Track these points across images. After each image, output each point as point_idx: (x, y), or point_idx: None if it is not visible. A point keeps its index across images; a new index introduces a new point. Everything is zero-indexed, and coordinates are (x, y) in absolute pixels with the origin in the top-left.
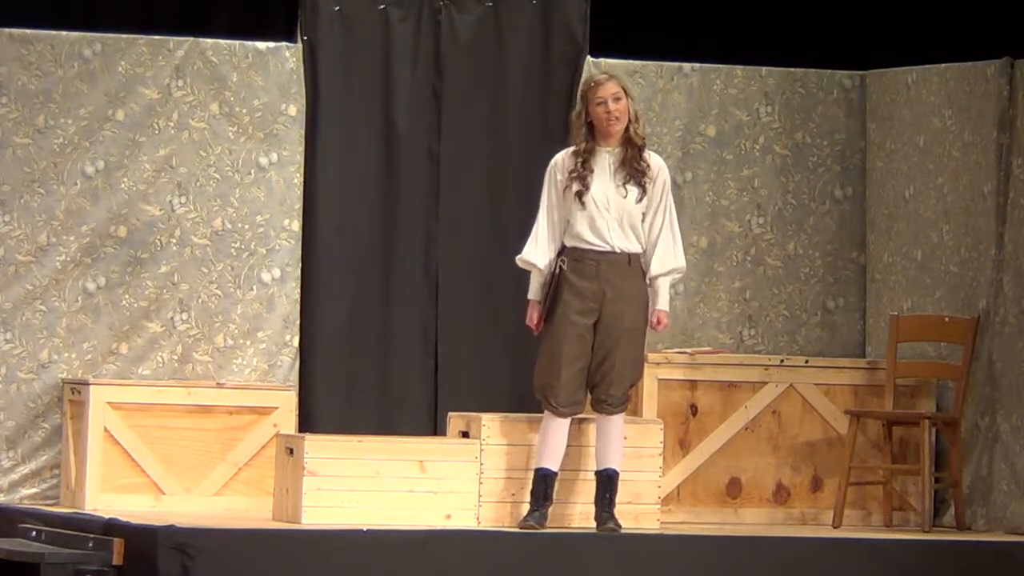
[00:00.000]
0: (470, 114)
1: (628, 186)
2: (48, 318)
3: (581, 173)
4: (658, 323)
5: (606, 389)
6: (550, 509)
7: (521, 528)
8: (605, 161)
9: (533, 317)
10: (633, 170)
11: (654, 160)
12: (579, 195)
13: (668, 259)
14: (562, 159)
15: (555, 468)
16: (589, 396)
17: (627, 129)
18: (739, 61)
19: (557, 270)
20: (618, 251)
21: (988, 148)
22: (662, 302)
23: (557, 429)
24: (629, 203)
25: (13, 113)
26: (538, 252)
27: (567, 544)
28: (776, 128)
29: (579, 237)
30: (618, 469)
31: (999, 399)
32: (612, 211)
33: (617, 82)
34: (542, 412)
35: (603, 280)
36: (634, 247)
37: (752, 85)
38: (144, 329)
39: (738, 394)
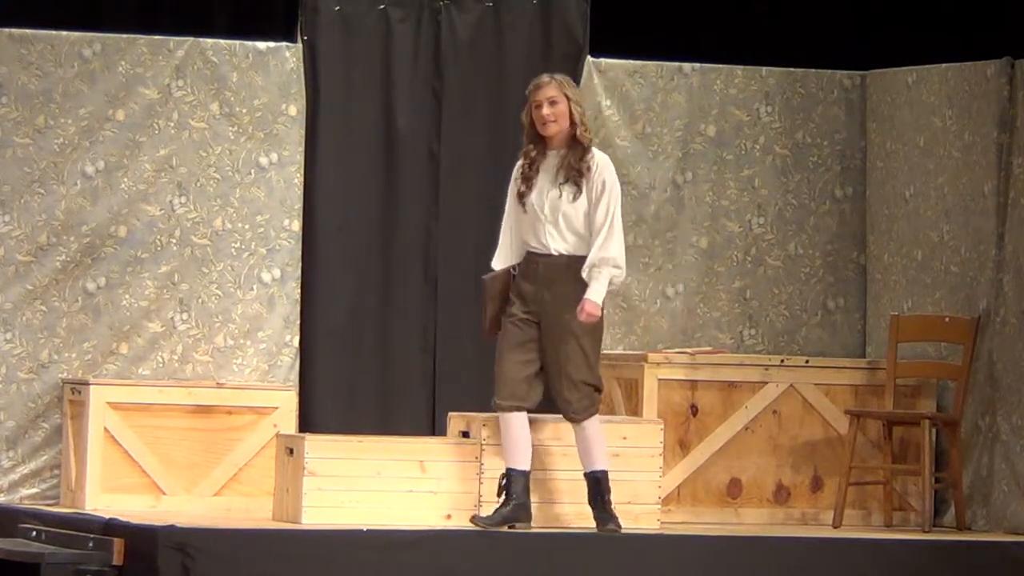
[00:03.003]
0: (470, 114)
1: (565, 187)
2: (48, 318)
3: (527, 175)
4: (580, 311)
5: (561, 394)
6: (517, 506)
7: (472, 523)
8: (551, 163)
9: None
10: (572, 171)
11: (596, 159)
12: (521, 197)
13: (598, 251)
14: (519, 163)
15: (519, 466)
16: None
17: (572, 131)
18: (739, 61)
19: (513, 275)
20: (555, 254)
21: (988, 148)
22: (590, 292)
23: (507, 426)
24: (564, 204)
25: (13, 113)
26: (498, 258)
27: (567, 544)
28: (776, 128)
29: (525, 241)
30: (605, 468)
31: (999, 399)
32: (548, 213)
33: (557, 86)
34: (540, 412)
35: (544, 284)
36: (575, 249)
37: (752, 85)
38: (144, 329)
39: (738, 394)
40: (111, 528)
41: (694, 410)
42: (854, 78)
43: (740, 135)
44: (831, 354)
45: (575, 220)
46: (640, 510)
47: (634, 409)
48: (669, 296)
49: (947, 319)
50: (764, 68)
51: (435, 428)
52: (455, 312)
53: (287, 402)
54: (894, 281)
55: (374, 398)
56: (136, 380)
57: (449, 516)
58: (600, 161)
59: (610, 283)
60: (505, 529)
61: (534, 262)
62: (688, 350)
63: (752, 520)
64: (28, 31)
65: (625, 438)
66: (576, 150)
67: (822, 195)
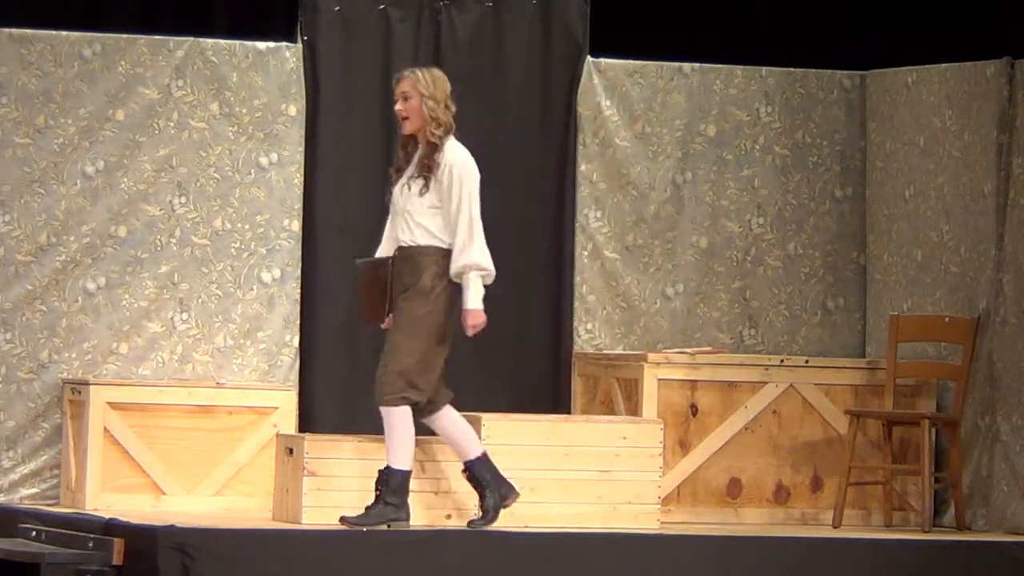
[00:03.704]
0: (470, 114)
1: (414, 180)
2: (48, 318)
3: (399, 167)
4: (463, 321)
5: (376, 376)
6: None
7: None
8: (416, 156)
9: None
10: (422, 165)
11: (448, 156)
12: (390, 188)
13: (459, 257)
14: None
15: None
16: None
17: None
18: (739, 61)
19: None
20: (404, 245)
21: (988, 148)
22: (466, 301)
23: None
24: (413, 198)
25: (13, 113)
26: (381, 248)
27: (567, 544)
28: (776, 128)
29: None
30: (393, 466)
31: (999, 399)
32: (400, 206)
33: (411, 81)
34: (541, 412)
35: (397, 275)
36: (421, 240)
37: (752, 85)
38: (144, 329)
39: (738, 394)
40: (111, 528)
41: (694, 410)
42: (854, 78)
43: (740, 135)
44: (831, 354)
45: (423, 213)
46: (640, 510)
47: (634, 409)
48: (669, 296)
49: (947, 319)
50: (764, 68)
51: None
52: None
53: (287, 402)
54: (894, 281)
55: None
56: (136, 380)
57: (449, 516)
58: (452, 159)
59: (483, 283)
60: (386, 527)
61: (396, 254)
62: (688, 350)
63: (752, 520)
64: (28, 31)
65: (625, 438)
66: (427, 147)
67: (822, 195)
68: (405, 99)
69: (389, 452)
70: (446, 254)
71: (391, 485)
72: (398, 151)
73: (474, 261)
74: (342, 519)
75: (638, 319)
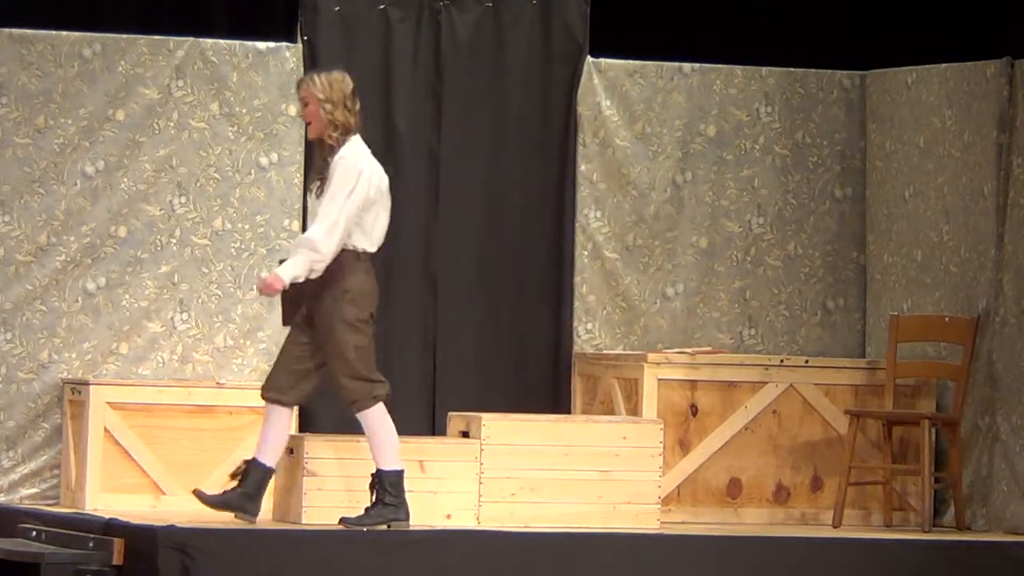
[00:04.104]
0: (470, 114)
1: (314, 183)
2: (48, 318)
3: (318, 169)
4: (258, 277)
5: (333, 386)
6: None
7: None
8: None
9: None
10: (321, 168)
11: (340, 154)
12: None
13: (305, 233)
14: None
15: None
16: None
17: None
18: (739, 61)
19: None
20: None
21: (988, 148)
22: (280, 267)
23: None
24: (313, 199)
25: (13, 113)
26: None
27: (567, 544)
28: (776, 128)
29: None
30: (383, 468)
31: (999, 399)
32: (312, 210)
33: (307, 87)
34: (541, 412)
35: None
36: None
37: (752, 85)
38: (144, 329)
39: (738, 394)
40: (111, 528)
41: (694, 410)
42: (854, 78)
43: (740, 135)
44: (831, 354)
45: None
46: (640, 510)
47: (634, 409)
48: (669, 296)
49: (947, 319)
50: (764, 68)
51: (435, 428)
52: (455, 312)
53: None
54: (894, 281)
55: None
56: (136, 380)
57: (449, 516)
58: (343, 154)
59: (311, 270)
60: (386, 528)
61: None
62: (688, 350)
63: (752, 520)
64: (28, 31)
65: (625, 438)
66: (327, 150)
67: (822, 195)
68: (304, 105)
69: (376, 455)
70: (359, 254)
71: (385, 485)
72: (317, 153)
73: (315, 240)
74: (342, 520)
75: (638, 319)
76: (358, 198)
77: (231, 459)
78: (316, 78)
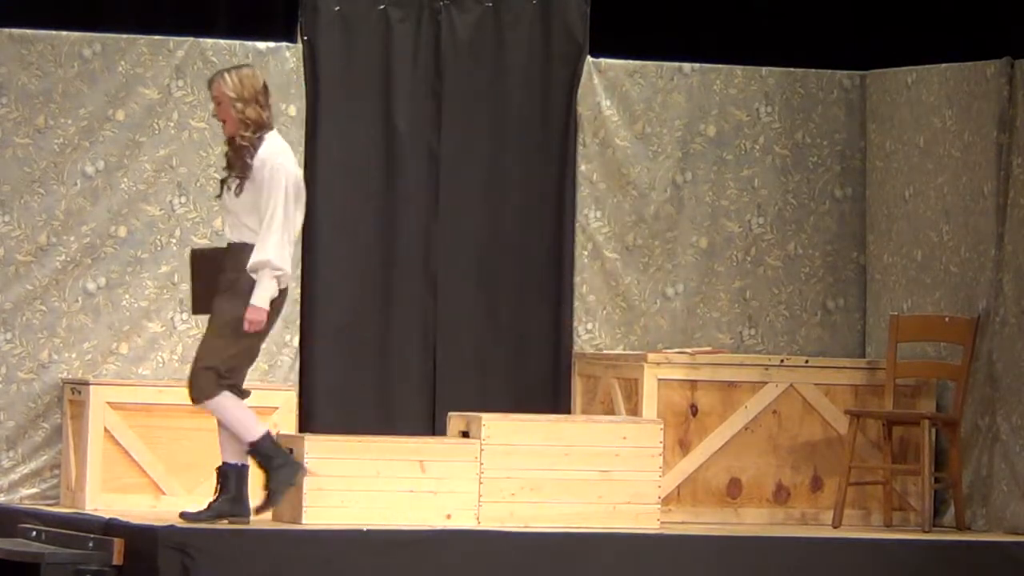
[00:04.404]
0: (470, 114)
1: (232, 180)
2: (48, 318)
3: (229, 163)
4: (245, 314)
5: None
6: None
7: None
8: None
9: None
10: (237, 166)
11: (261, 154)
12: (221, 185)
13: (256, 254)
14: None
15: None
16: None
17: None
18: (739, 61)
19: None
20: (232, 241)
21: (988, 148)
22: (254, 297)
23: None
24: (231, 197)
25: (13, 113)
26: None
27: (567, 544)
28: (776, 128)
29: None
30: (253, 440)
31: (999, 399)
32: (226, 206)
33: (218, 86)
34: (541, 412)
35: (223, 269)
36: (247, 238)
37: (752, 85)
38: (144, 329)
39: (738, 394)
40: (111, 528)
41: (694, 410)
42: (854, 78)
43: (740, 135)
44: (831, 354)
45: (241, 214)
46: (640, 510)
47: (634, 409)
48: (669, 296)
49: (947, 319)
50: (764, 68)
51: (435, 428)
52: (455, 312)
53: (287, 402)
54: (894, 281)
55: (374, 398)
56: (136, 380)
57: (449, 516)
58: (265, 155)
59: (278, 283)
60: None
61: (227, 247)
62: (688, 350)
63: (752, 520)
64: (28, 31)
65: (625, 438)
66: (241, 148)
67: (822, 195)
68: (217, 104)
69: (240, 434)
70: None
71: (268, 452)
72: (227, 149)
73: (268, 259)
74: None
75: (638, 319)
76: (291, 202)
77: None
78: (226, 76)
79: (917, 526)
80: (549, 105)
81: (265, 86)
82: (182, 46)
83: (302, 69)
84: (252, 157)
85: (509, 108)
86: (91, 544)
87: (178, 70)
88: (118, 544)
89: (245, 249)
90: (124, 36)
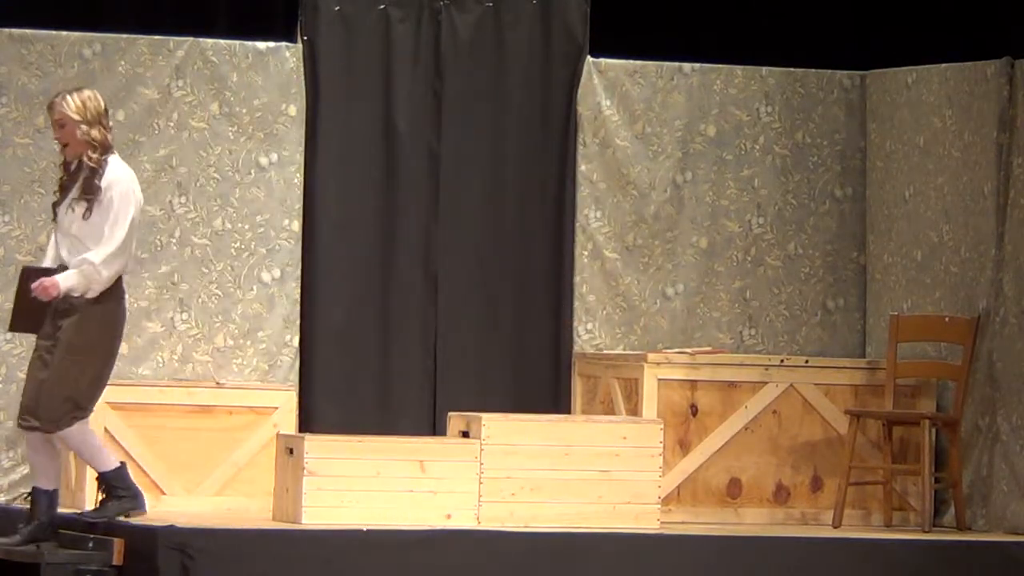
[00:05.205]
0: (470, 114)
1: (77, 203)
2: None
3: (63, 185)
4: (39, 283)
5: (35, 397)
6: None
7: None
8: (79, 179)
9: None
10: (84, 189)
11: (108, 177)
12: (55, 207)
13: (92, 254)
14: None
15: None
16: None
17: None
18: (739, 61)
19: None
20: (61, 266)
21: (988, 148)
22: (60, 276)
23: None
24: (77, 220)
25: (13, 113)
26: (47, 258)
27: (567, 544)
28: (776, 128)
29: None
30: (105, 471)
31: (999, 399)
32: (64, 227)
33: (61, 108)
34: (541, 412)
35: (64, 297)
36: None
37: (752, 85)
38: (144, 329)
39: (738, 394)
40: (111, 528)
41: (694, 410)
42: (854, 78)
43: (740, 135)
44: (831, 354)
45: (88, 238)
46: (640, 510)
47: (634, 409)
48: (669, 296)
49: (947, 319)
50: (764, 68)
51: (435, 428)
52: (455, 312)
53: (287, 402)
54: (894, 281)
55: (374, 398)
56: (136, 380)
57: (449, 516)
58: (111, 179)
59: (88, 288)
60: (124, 518)
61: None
62: (688, 350)
63: (752, 520)
64: (28, 31)
65: (625, 438)
66: (88, 171)
67: (822, 195)
68: (60, 126)
69: (92, 463)
70: (119, 279)
71: (113, 483)
72: (61, 172)
73: (94, 260)
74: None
75: (638, 319)
76: (135, 229)
77: (231, 459)
78: (68, 98)
79: (917, 526)
80: (549, 105)
81: (106, 108)
82: (182, 46)
83: (302, 69)
84: (101, 179)
85: (509, 108)
86: (91, 544)
87: (178, 70)
88: (118, 544)
89: None
90: (124, 36)
